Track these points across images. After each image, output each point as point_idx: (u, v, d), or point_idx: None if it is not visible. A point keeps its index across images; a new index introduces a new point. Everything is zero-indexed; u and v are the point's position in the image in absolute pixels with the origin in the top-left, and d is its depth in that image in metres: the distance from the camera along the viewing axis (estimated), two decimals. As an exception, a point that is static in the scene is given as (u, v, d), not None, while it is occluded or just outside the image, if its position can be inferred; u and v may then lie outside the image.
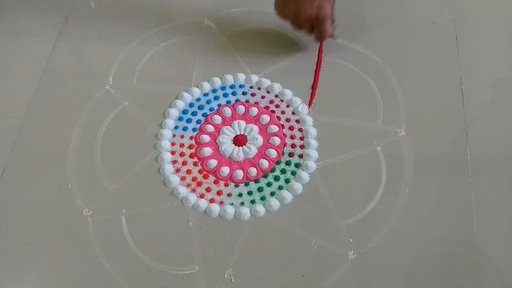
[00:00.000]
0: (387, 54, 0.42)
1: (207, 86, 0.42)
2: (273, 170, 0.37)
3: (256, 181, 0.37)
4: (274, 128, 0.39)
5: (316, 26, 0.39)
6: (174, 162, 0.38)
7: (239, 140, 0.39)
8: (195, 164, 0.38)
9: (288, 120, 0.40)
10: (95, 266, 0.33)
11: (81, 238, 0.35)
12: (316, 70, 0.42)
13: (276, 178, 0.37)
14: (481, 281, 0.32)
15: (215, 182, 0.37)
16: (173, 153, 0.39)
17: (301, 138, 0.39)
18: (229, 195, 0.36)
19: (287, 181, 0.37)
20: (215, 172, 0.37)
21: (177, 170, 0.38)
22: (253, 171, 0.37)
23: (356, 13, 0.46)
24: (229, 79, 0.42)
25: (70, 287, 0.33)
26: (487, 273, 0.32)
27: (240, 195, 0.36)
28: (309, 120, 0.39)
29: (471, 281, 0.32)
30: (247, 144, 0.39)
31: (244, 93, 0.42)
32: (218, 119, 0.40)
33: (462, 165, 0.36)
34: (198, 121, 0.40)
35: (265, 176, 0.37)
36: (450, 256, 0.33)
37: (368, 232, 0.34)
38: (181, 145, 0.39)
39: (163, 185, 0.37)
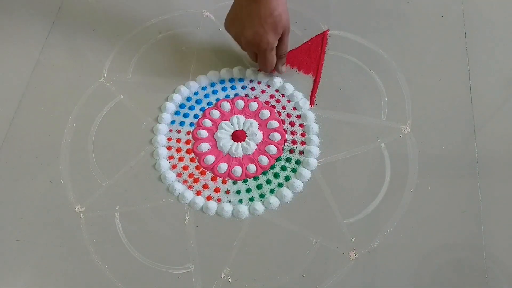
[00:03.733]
0: (392, 48, 0.41)
1: (205, 80, 0.41)
2: (272, 167, 0.36)
3: (255, 178, 0.36)
4: (274, 124, 0.38)
5: (258, 55, 0.36)
6: (170, 157, 0.37)
7: (238, 136, 0.38)
8: (192, 160, 0.37)
9: (289, 115, 0.39)
10: (88, 264, 0.32)
11: (73, 236, 0.34)
12: (318, 64, 0.41)
13: (276, 175, 0.36)
14: (488, 283, 0.30)
15: (213, 179, 0.36)
16: (169, 148, 0.38)
17: (302, 134, 0.37)
18: (227, 192, 0.35)
19: (287, 178, 0.35)
20: (212, 168, 0.36)
21: (174, 166, 0.37)
22: (252, 167, 0.36)
23: (361, 5, 0.44)
24: (228, 72, 0.41)
25: (62, 286, 0.32)
26: (495, 275, 0.31)
27: (238, 192, 0.35)
28: (310, 115, 0.38)
29: (478, 283, 0.31)
30: (246, 139, 0.37)
31: (243, 87, 0.40)
32: (216, 113, 0.39)
33: (470, 164, 0.35)
34: (195, 116, 0.39)
35: (264, 173, 0.36)
36: (456, 258, 0.31)
37: (371, 232, 0.33)
38: (178, 140, 0.38)
39: (158, 182, 0.36)
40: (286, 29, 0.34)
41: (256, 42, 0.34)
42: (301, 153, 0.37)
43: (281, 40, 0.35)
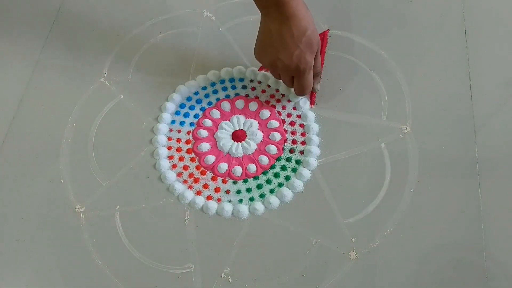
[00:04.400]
0: (392, 48, 0.41)
1: (205, 80, 0.41)
2: (273, 167, 0.36)
3: (255, 178, 0.36)
4: (275, 123, 0.38)
5: (295, 78, 0.34)
6: (170, 157, 0.37)
7: (238, 136, 0.38)
8: (192, 160, 0.37)
9: (289, 115, 0.39)
10: (88, 264, 0.32)
11: (74, 235, 0.34)
12: (318, 64, 0.41)
13: (276, 175, 0.36)
14: (488, 283, 0.30)
15: (213, 179, 0.36)
16: (169, 148, 0.38)
17: (303, 134, 0.37)
18: (227, 192, 0.35)
19: (287, 178, 0.35)
20: (212, 168, 0.36)
21: (174, 166, 0.37)
22: (252, 167, 0.36)
23: (361, 5, 0.44)
24: (229, 72, 0.41)
25: (62, 286, 0.32)
26: (495, 275, 0.31)
27: (238, 192, 0.35)
28: (311, 115, 0.38)
29: (478, 283, 0.30)
30: (246, 139, 0.37)
31: (243, 87, 0.40)
32: (216, 113, 0.39)
33: (470, 164, 0.35)
34: (195, 116, 0.39)
35: (264, 173, 0.36)
36: (456, 258, 0.31)
37: (371, 232, 0.33)
38: (178, 140, 0.38)
39: (159, 181, 0.36)
40: (319, 46, 0.33)
41: (295, 64, 0.32)
42: (301, 152, 0.37)
43: (315, 58, 0.33)
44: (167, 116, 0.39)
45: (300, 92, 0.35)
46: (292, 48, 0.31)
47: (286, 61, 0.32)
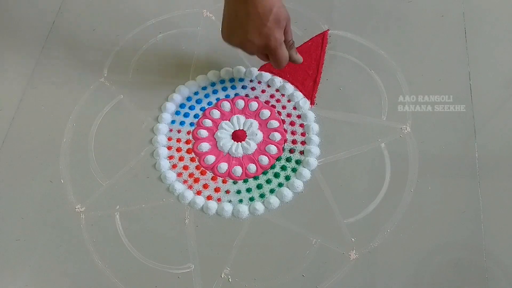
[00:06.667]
0: (392, 48, 0.41)
1: (205, 80, 0.41)
2: (273, 167, 0.36)
3: (255, 178, 0.36)
4: (275, 123, 0.38)
5: (269, 55, 0.34)
6: (170, 157, 0.37)
7: (238, 136, 0.38)
8: (192, 160, 0.37)
9: (289, 115, 0.39)
10: (88, 264, 0.32)
11: (74, 235, 0.34)
12: (318, 64, 0.41)
13: (276, 175, 0.36)
14: (488, 283, 0.30)
15: (213, 179, 0.36)
16: (169, 148, 0.38)
17: (302, 134, 0.37)
18: (227, 192, 0.35)
19: (287, 178, 0.35)
20: (213, 168, 0.36)
21: (174, 166, 0.37)
22: (252, 167, 0.36)
23: (361, 5, 0.44)
24: (229, 72, 0.41)
25: (62, 286, 0.32)
26: (495, 275, 0.31)
27: (238, 192, 0.35)
28: (310, 115, 0.38)
29: (478, 283, 0.31)
30: (246, 139, 0.37)
31: (243, 87, 0.40)
32: (216, 113, 0.39)
33: (470, 164, 0.35)
34: (195, 116, 0.39)
35: (264, 173, 0.36)
36: (455, 258, 0.31)
37: (371, 232, 0.33)
38: (178, 140, 0.38)
39: (159, 181, 0.36)
40: (288, 20, 0.33)
41: (264, 43, 0.32)
42: (301, 152, 0.37)
43: (284, 31, 0.33)
44: (167, 116, 0.39)
45: (277, 66, 0.35)
46: (259, 28, 0.31)
47: (256, 41, 0.32)
